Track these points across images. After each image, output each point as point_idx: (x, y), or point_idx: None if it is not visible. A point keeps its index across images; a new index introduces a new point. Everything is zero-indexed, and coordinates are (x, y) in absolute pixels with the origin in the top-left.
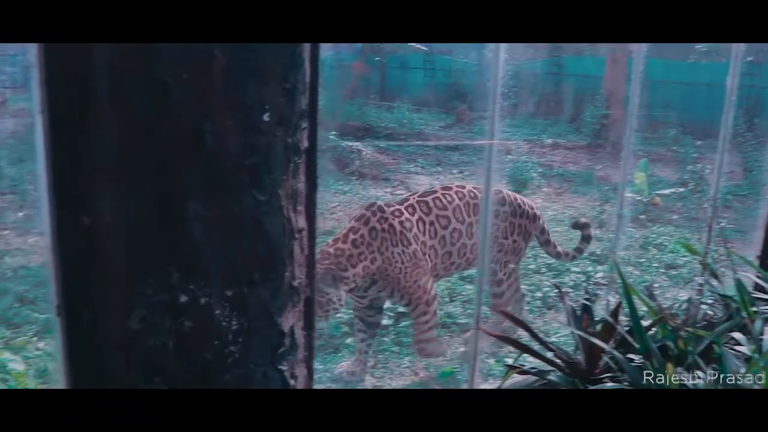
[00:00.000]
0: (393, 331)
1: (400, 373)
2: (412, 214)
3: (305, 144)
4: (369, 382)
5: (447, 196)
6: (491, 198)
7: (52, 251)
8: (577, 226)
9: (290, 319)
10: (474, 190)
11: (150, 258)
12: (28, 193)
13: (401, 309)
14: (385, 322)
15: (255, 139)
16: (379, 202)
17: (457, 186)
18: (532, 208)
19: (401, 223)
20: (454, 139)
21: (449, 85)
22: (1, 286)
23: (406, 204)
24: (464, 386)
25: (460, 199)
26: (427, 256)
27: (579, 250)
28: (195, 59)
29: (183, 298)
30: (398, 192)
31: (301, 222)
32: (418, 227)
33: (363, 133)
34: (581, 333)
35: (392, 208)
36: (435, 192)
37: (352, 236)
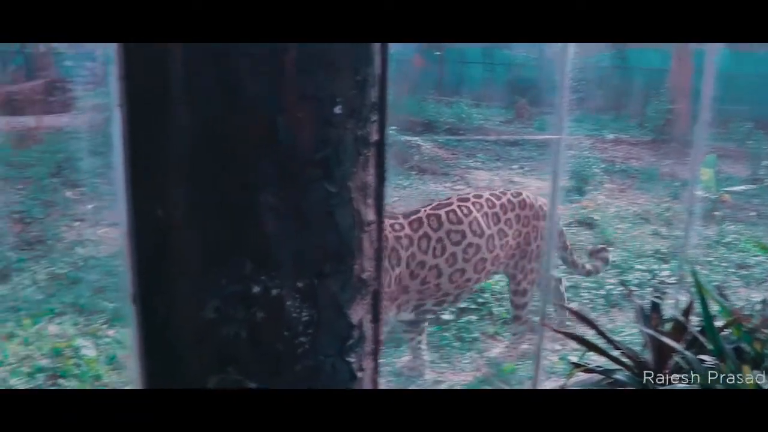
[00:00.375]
0: (454, 326)
1: (461, 369)
2: (416, 230)
3: (375, 137)
4: (429, 377)
5: (463, 208)
6: (556, 192)
7: (127, 242)
8: (593, 253)
9: (359, 312)
10: (491, 198)
11: (223, 249)
12: (98, 186)
13: (463, 305)
14: (446, 317)
15: (326, 132)
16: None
17: (474, 196)
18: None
19: (397, 239)
20: (514, 134)
21: (509, 80)
22: (74, 276)
23: (413, 217)
24: (527, 384)
25: (478, 210)
26: (414, 280)
27: (595, 269)
28: (268, 53)
29: (255, 289)
30: (458, 187)
31: (370, 215)
32: (419, 245)
33: (422, 128)
34: (651, 331)
35: (393, 221)
36: (450, 204)
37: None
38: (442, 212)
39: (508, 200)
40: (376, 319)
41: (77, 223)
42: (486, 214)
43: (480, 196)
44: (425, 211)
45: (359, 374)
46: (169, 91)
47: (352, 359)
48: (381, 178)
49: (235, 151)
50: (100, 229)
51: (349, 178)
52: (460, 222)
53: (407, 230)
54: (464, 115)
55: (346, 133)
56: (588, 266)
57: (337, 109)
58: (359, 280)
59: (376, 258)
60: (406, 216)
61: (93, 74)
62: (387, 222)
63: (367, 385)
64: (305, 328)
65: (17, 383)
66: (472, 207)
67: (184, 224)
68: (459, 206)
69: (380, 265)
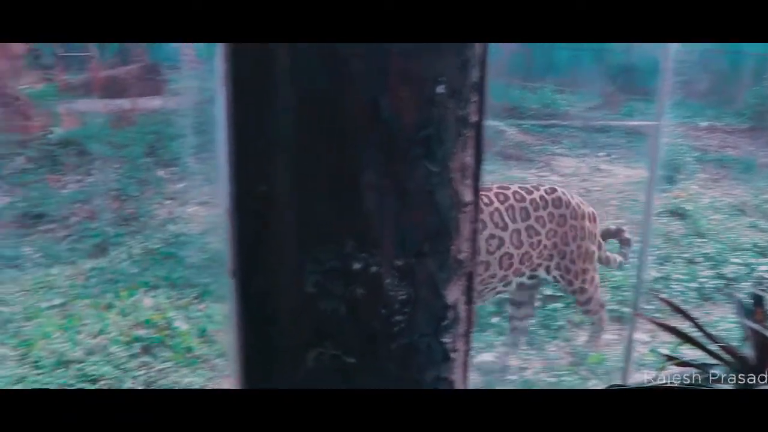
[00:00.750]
0: (540, 314)
1: (545, 357)
2: None
3: (474, 117)
4: (514, 365)
5: (483, 197)
6: (653, 181)
7: (228, 218)
8: (608, 234)
9: (454, 293)
10: (521, 191)
11: (324, 226)
12: (189, 165)
13: (548, 291)
14: None
15: (428, 111)
16: None
17: (498, 187)
18: (588, 206)
19: None
20: (602, 120)
21: (596, 65)
22: (166, 251)
23: None
24: (617, 377)
25: (502, 202)
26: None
27: (624, 256)
28: None
29: (356, 266)
30: (543, 174)
31: (468, 195)
32: None
33: (507, 113)
34: (756, 326)
35: None
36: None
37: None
38: None
39: (541, 197)
40: (469, 301)
41: (169, 201)
42: (511, 207)
43: (506, 188)
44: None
45: (452, 355)
46: (274, 70)
47: (446, 340)
48: (478, 159)
49: (339, 130)
50: (191, 208)
51: (450, 158)
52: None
53: None
54: (549, 100)
55: (447, 112)
56: (615, 258)
57: (440, 89)
58: (456, 260)
59: (472, 239)
60: None
61: (185, 59)
62: None
63: (459, 366)
64: (402, 306)
65: (116, 350)
66: (493, 198)
67: (287, 201)
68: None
69: (475, 246)
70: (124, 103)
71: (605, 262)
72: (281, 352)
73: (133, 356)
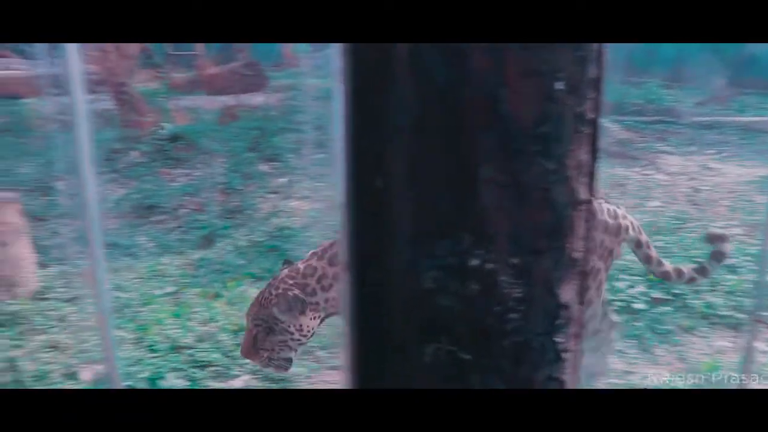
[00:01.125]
0: (648, 316)
1: (653, 362)
2: None
3: (591, 114)
4: (620, 368)
5: None
6: None
7: (344, 211)
8: (710, 239)
9: (568, 292)
10: None
11: (440, 221)
12: (291, 160)
13: (655, 294)
14: (638, 306)
15: (547, 107)
16: None
17: None
18: (616, 218)
19: None
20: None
21: (703, 59)
22: (270, 244)
23: None
24: (734, 385)
25: None
26: None
27: (702, 271)
28: None
29: (472, 262)
30: (647, 172)
31: (583, 193)
32: None
33: (609, 109)
34: None
35: None
36: None
37: (332, 251)
38: None
39: None
40: (582, 301)
41: (272, 195)
42: None
43: None
44: None
45: (565, 355)
46: (392, 66)
47: (559, 340)
48: (594, 157)
49: (457, 125)
50: (293, 202)
51: (567, 155)
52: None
53: None
54: (654, 96)
55: (565, 109)
56: (687, 271)
57: (558, 85)
58: (570, 259)
59: (586, 238)
60: None
61: (283, 57)
62: None
63: (570, 367)
64: (516, 304)
65: (225, 338)
66: None
67: (403, 196)
68: None
69: (589, 245)
70: (229, 100)
71: (662, 276)
72: (394, 347)
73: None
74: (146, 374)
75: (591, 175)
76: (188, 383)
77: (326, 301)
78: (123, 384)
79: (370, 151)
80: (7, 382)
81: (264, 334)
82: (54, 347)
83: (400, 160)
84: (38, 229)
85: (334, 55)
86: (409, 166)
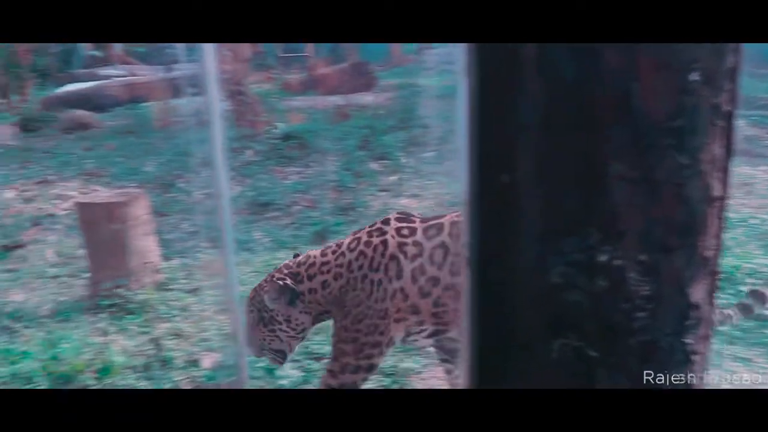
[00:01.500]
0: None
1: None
2: (431, 238)
3: (727, 106)
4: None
5: None
6: None
7: (467, 208)
8: (755, 296)
9: (699, 291)
10: None
11: (569, 217)
12: (400, 159)
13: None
14: None
15: (681, 100)
16: (399, 213)
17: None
18: None
19: (401, 245)
20: None
21: None
22: None
23: (433, 222)
24: None
25: None
26: (425, 302)
27: (745, 309)
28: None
29: (600, 258)
30: None
31: (718, 189)
32: (431, 257)
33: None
34: None
35: (404, 224)
36: None
37: (331, 243)
38: None
39: None
40: (712, 302)
41: (382, 193)
42: None
43: None
44: (451, 216)
45: (693, 357)
46: (520, 62)
47: (688, 341)
48: (729, 151)
49: (587, 120)
50: (403, 200)
51: (701, 150)
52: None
53: (420, 237)
54: None
55: (700, 101)
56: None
57: (693, 76)
58: (702, 258)
59: (719, 236)
60: (425, 220)
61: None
62: (392, 222)
63: (699, 369)
64: (645, 302)
65: None
66: None
67: (530, 192)
68: None
69: (721, 244)
70: (339, 99)
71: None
72: (519, 344)
73: None
74: (263, 364)
75: (725, 171)
76: (303, 374)
77: (309, 291)
78: (248, 375)
79: (496, 148)
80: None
81: (255, 322)
82: (177, 335)
83: (527, 157)
84: (161, 223)
85: (444, 54)
86: (536, 162)
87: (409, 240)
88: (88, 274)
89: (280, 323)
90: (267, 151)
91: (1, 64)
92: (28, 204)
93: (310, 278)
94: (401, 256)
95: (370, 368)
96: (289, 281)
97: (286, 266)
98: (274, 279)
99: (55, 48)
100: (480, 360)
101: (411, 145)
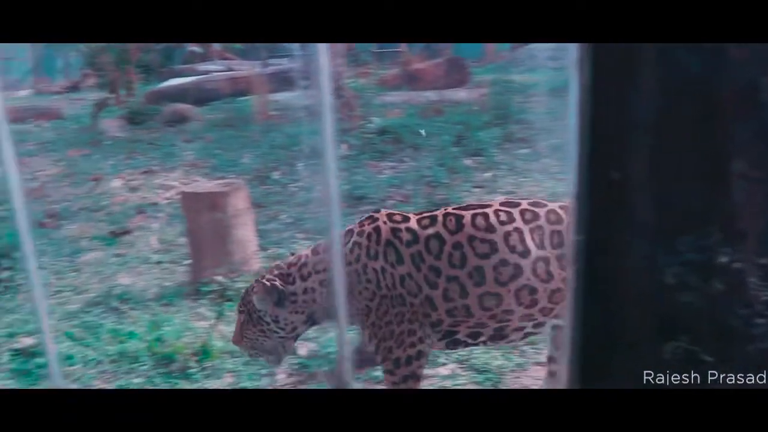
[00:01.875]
0: None
1: None
2: (425, 228)
3: None
4: None
5: (502, 214)
6: None
7: (574, 205)
8: None
9: None
10: (559, 212)
11: (684, 215)
12: (495, 155)
13: None
14: None
15: None
16: (384, 209)
17: (529, 203)
18: None
19: (394, 231)
20: None
21: None
22: None
23: (424, 215)
24: None
25: (527, 222)
26: (436, 295)
27: None
28: None
29: (718, 260)
30: None
31: None
32: (427, 246)
33: None
34: None
35: (394, 212)
36: (486, 206)
37: (320, 240)
38: (467, 213)
39: None
40: None
41: (477, 190)
42: (540, 229)
43: (542, 205)
44: (445, 209)
45: None
46: (637, 57)
47: None
48: None
49: (709, 116)
50: (497, 197)
51: None
52: (490, 229)
53: (413, 224)
54: None
55: None
56: None
57: None
58: None
59: None
60: (417, 213)
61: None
62: (383, 214)
63: None
64: (765, 308)
65: None
66: (518, 215)
67: (643, 189)
68: (497, 211)
69: None
70: (433, 95)
71: None
72: (627, 344)
73: None
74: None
75: None
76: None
77: (304, 291)
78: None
79: (607, 144)
80: None
81: (245, 322)
82: None
83: (640, 153)
84: (258, 214)
85: (538, 50)
86: (650, 159)
87: (402, 225)
88: (189, 261)
89: (269, 323)
90: (362, 145)
91: (113, 61)
92: (133, 193)
93: (304, 278)
94: (398, 242)
95: (419, 355)
96: (278, 282)
97: (277, 267)
98: (262, 280)
99: (158, 44)
100: (582, 357)
101: (506, 141)
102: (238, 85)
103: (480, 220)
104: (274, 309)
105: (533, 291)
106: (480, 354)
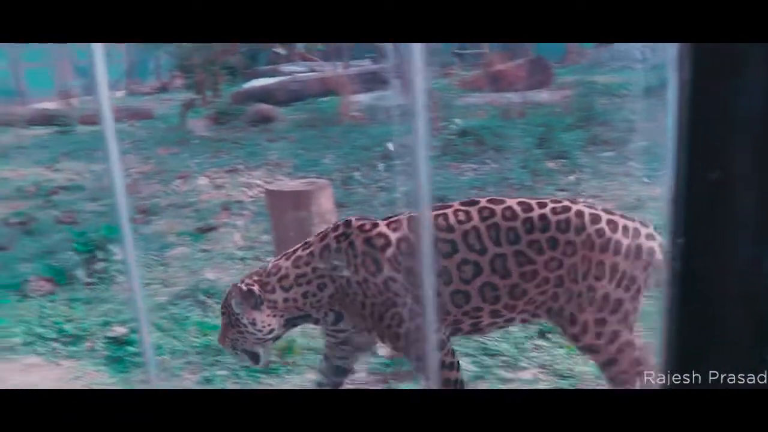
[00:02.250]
0: None
1: None
2: (394, 231)
3: None
4: None
5: (460, 213)
6: None
7: (671, 204)
8: None
9: None
10: (515, 209)
11: None
12: (577, 158)
13: None
14: None
15: None
16: (352, 218)
17: (487, 201)
18: (637, 237)
19: (368, 240)
20: None
21: None
22: None
23: (391, 219)
24: None
25: (483, 220)
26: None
27: None
28: None
29: None
30: None
31: None
32: (399, 248)
33: None
34: None
35: (363, 222)
36: (446, 207)
37: (300, 253)
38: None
39: (542, 215)
40: None
41: (560, 193)
42: (496, 226)
43: (501, 201)
44: (408, 213)
45: None
46: (740, 53)
47: None
48: None
49: None
50: (582, 199)
51: None
52: (450, 230)
53: (383, 229)
54: None
55: None
56: None
57: None
58: None
59: None
60: (384, 219)
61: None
62: (354, 224)
63: None
64: None
65: (515, 330)
66: (475, 214)
67: (746, 188)
68: (456, 211)
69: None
70: (515, 96)
71: None
72: (727, 344)
73: (529, 337)
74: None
75: None
76: (477, 369)
77: (285, 301)
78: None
79: (707, 143)
80: None
81: (225, 324)
82: None
83: (743, 152)
84: (340, 214)
85: (621, 51)
86: (753, 158)
87: (373, 232)
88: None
89: (246, 325)
90: (443, 146)
91: (200, 63)
92: (218, 190)
93: (286, 290)
94: (373, 249)
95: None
96: (255, 288)
97: (257, 273)
98: (240, 284)
99: (243, 46)
100: (678, 356)
101: (590, 143)
102: (320, 86)
103: (441, 221)
104: (251, 312)
105: (495, 289)
106: (563, 359)
